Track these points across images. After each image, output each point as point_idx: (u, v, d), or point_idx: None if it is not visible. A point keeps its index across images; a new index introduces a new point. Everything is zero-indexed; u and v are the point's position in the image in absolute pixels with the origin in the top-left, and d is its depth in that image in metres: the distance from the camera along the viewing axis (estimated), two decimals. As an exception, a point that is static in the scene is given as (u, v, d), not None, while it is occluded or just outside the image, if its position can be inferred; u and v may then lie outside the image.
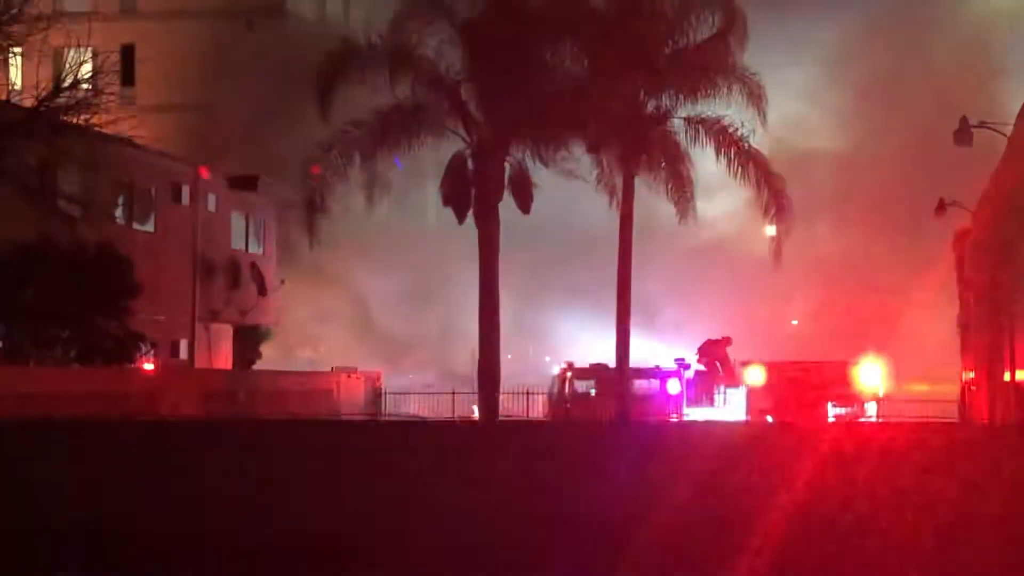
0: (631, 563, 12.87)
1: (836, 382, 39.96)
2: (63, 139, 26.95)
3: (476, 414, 42.27)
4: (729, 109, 33.99)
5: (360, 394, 45.43)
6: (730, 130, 34.02)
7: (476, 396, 37.32)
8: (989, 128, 35.54)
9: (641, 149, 34.37)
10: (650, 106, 35.07)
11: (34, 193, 30.93)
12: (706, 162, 34.89)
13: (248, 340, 51.11)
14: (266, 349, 54.46)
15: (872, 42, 58.16)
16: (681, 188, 34.18)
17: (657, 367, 41.77)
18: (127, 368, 36.77)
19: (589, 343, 45.61)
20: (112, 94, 27.17)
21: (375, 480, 17.84)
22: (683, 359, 42.21)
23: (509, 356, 42.56)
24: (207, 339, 47.49)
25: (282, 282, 53.26)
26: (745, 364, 41.46)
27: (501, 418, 36.37)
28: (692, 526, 14.34)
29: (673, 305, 54.36)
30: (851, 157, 58.21)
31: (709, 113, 34.33)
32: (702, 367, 42.45)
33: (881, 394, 40.98)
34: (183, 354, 46.32)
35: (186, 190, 46.19)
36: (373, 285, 57.04)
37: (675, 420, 39.08)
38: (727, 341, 42.80)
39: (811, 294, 56.71)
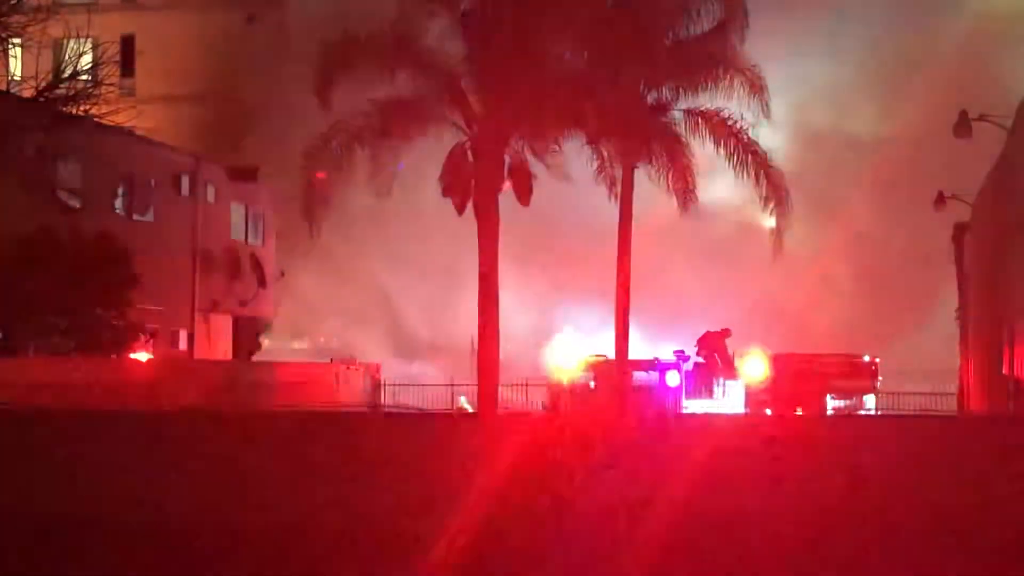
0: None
1: (835, 374, 39.98)
2: (62, 130, 26.87)
3: (465, 406, 42.33)
4: (730, 101, 33.98)
5: (359, 385, 45.45)
6: (729, 122, 34.02)
7: (472, 388, 37.31)
8: (989, 121, 35.54)
9: (641, 141, 34.35)
10: (650, 98, 35.07)
11: (34, 184, 30.89)
12: (706, 156, 34.87)
13: (247, 331, 51.14)
14: (266, 340, 54.54)
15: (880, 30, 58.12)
16: (682, 179, 34.17)
17: (656, 359, 41.77)
18: (126, 359, 36.81)
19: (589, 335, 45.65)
20: (112, 85, 27.05)
21: (373, 471, 17.88)
22: (682, 351, 42.21)
23: (508, 347, 42.59)
24: (206, 330, 47.54)
25: (282, 273, 53.30)
26: (744, 356, 41.47)
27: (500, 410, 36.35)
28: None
29: (673, 297, 54.31)
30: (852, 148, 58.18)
31: (709, 105, 34.31)
32: (701, 359, 42.45)
33: (879, 387, 41.02)
34: (182, 345, 46.37)
35: (186, 181, 46.22)
36: (374, 276, 57.03)
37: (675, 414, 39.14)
38: (726, 333, 42.79)
39: (810, 286, 56.67)
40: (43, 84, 25.53)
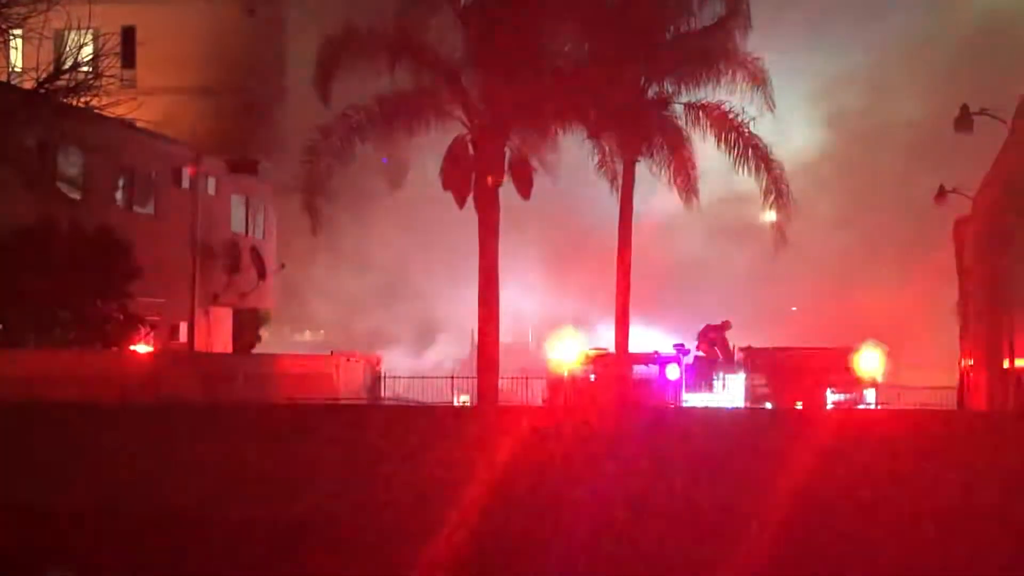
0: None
1: (835, 368, 39.93)
2: (63, 122, 26.87)
3: (463, 399, 42.33)
4: (733, 95, 33.98)
5: (359, 378, 45.42)
6: (730, 116, 34.01)
7: (471, 381, 37.34)
8: (990, 116, 35.53)
9: (642, 134, 34.35)
10: (651, 91, 35.06)
11: (34, 176, 30.88)
12: (707, 150, 34.88)
13: (247, 323, 51.16)
14: (267, 332, 54.55)
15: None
16: (684, 172, 34.18)
17: (656, 352, 41.76)
18: (126, 351, 36.79)
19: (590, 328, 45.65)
20: (112, 76, 27.03)
21: (372, 464, 17.88)
22: (682, 344, 42.20)
23: (508, 340, 42.61)
24: (206, 322, 47.53)
25: (282, 266, 53.29)
26: (744, 350, 41.45)
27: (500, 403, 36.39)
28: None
29: (673, 291, 54.37)
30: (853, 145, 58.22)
31: (710, 99, 34.32)
32: (701, 353, 42.43)
33: (880, 381, 40.97)
34: (182, 337, 46.36)
35: (186, 173, 46.19)
36: (375, 269, 57.08)
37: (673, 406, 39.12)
38: (726, 326, 42.78)
39: (811, 280, 56.74)
40: (44, 76, 25.56)
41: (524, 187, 35.67)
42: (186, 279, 46.08)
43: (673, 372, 40.88)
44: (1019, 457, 17.83)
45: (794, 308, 60.78)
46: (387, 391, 45.05)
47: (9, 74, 29.43)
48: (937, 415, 27.63)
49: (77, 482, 16.27)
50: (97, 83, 26.08)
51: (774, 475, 16.59)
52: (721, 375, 41.41)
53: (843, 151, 58.21)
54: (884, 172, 56.79)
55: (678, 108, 34.74)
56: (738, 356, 41.61)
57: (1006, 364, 34.98)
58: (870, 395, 39.87)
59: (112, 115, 28.22)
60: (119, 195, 42.47)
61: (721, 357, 42.06)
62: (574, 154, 35.83)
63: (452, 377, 44.11)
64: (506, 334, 38.14)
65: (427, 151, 36.38)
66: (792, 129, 47.61)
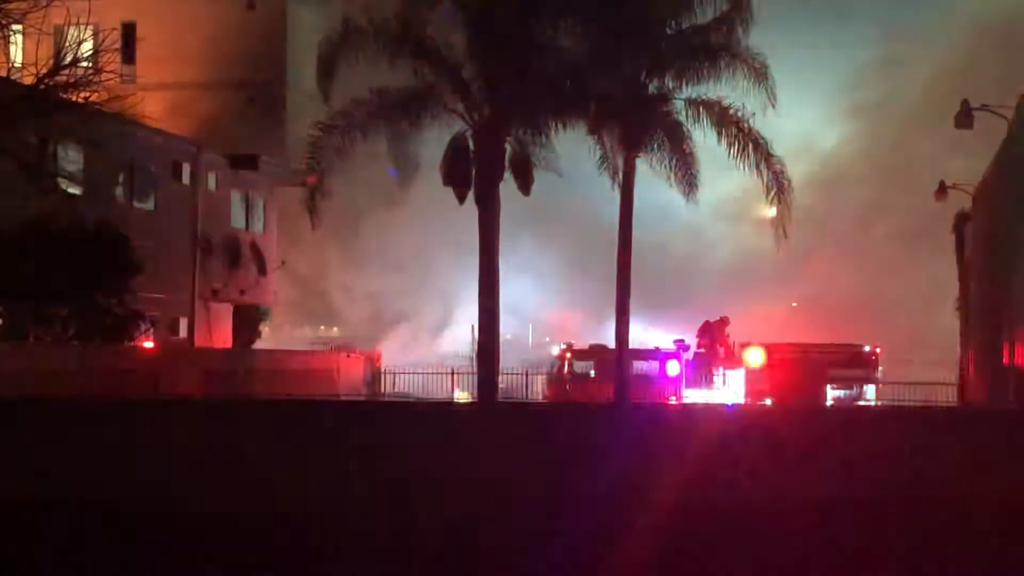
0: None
1: (835, 364, 39.96)
2: (63, 117, 26.86)
3: (460, 396, 42.36)
4: (735, 91, 33.92)
5: (359, 374, 45.44)
6: (731, 111, 33.95)
7: (469, 377, 37.35)
8: (990, 111, 35.50)
9: (643, 130, 34.29)
10: (652, 87, 35.00)
11: (34, 170, 30.85)
12: (706, 147, 34.82)
13: (247, 319, 51.16)
14: (266, 328, 54.53)
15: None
16: (685, 168, 34.12)
17: (657, 348, 41.77)
18: (126, 346, 36.80)
19: (590, 324, 45.69)
20: (112, 72, 27.03)
21: (372, 461, 17.88)
22: (682, 340, 42.21)
23: (508, 336, 42.60)
24: (207, 318, 47.53)
25: (283, 262, 53.31)
26: (744, 346, 41.48)
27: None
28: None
29: (673, 287, 54.36)
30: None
31: (711, 95, 34.24)
32: (701, 349, 42.45)
33: (879, 377, 41.02)
34: (182, 332, 46.36)
35: (186, 168, 46.18)
36: (376, 264, 57.06)
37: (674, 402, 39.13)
38: (725, 322, 42.81)
39: (811, 276, 56.75)
40: (43, 71, 25.55)
41: (525, 183, 35.62)
42: (186, 274, 46.08)
43: (673, 368, 40.91)
44: (1019, 453, 17.83)
45: (794, 304, 60.79)
46: (387, 386, 45.09)
47: (9, 69, 29.41)
48: (937, 411, 27.67)
49: (75, 478, 16.27)
50: (97, 79, 26.08)
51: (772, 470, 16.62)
52: (722, 371, 41.47)
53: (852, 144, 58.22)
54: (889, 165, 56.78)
55: (679, 103, 34.67)
56: (738, 351, 41.67)
57: (1006, 359, 34.98)
58: (870, 391, 39.93)
59: (112, 110, 28.23)
60: (119, 190, 42.47)
61: (722, 352, 42.10)
62: (576, 149, 35.78)
63: (452, 372, 44.11)
64: (507, 330, 38.14)
65: (432, 145, 36.34)
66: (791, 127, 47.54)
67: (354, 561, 12.22)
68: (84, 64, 26.16)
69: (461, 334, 54.03)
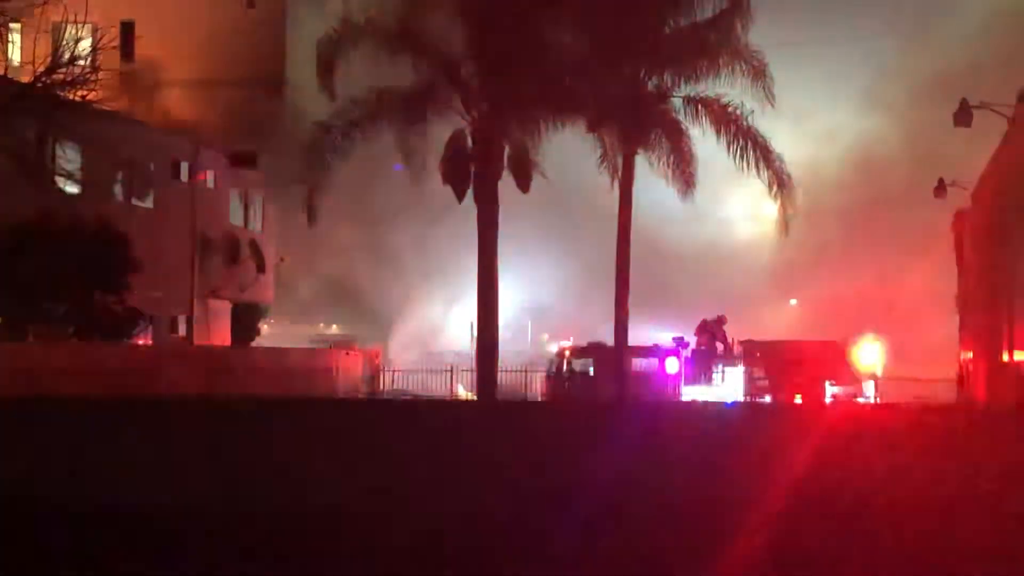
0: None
1: (834, 362, 39.96)
2: (61, 115, 26.86)
3: (461, 393, 42.37)
4: (734, 89, 33.95)
5: (359, 372, 45.42)
6: (729, 109, 33.98)
7: (469, 374, 37.38)
8: (989, 109, 35.48)
9: (641, 127, 34.33)
10: (650, 85, 35.02)
11: (32, 169, 30.85)
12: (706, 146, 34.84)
13: (246, 317, 51.17)
14: (265, 325, 54.56)
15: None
16: (682, 166, 34.16)
17: (656, 346, 41.77)
18: (125, 344, 36.81)
19: (589, 322, 45.70)
20: (110, 70, 27.06)
21: (373, 458, 17.89)
22: (681, 337, 42.21)
23: (508, 334, 42.61)
24: (206, 316, 47.53)
25: (282, 259, 53.31)
26: (743, 343, 41.46)
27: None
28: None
29: (671, 285, 54.36)
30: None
31: (710, 93, 34.27)
32: (701, 347, 42.44)
33: (879, 374, 41.03)
34: (181, 330, 46.36)
35: (185, 167, 46.18)
36: (377, 260, 57.10)
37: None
38: (723, 320, 42.80)
39: (810, 274, 56.75)
40: (41, 69, 25.55)
41: (523, 181, 35.65)
42: (185, 272, 46.08)
43: (672, 365, 40.90)
44: (1019, 449, 17.87)
45: (793, 301, 60.79)
46: (386, 384, 45.05)
47: (7, 67, 29.40)
48: (936, 408, 27.70)
49: (75, 476, 16.28)
50: (95, 77, 26.09)
51: (771, 467, 16.65)
52: (720, 368, 41.45)
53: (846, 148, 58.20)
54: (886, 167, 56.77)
55: (677, 102, 34.70)
56: (737, 349, 41.66)
57: (1005, 356, 35.02)
58: (869, 388, 39.93)
59: (110, 108, 28.26)
60: (118, 188, 42.45)
61: (721, 350, 42.09)
62: (575, 147, 35.80)
63: (451, 369, 44.11)
64: (505, 328, 38.15)
65: (431, 143, 36.35)
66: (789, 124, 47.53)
67: (353, 561, 12.24)
68: (82, 62, 26.16)
69: (461, 332, 54.06)
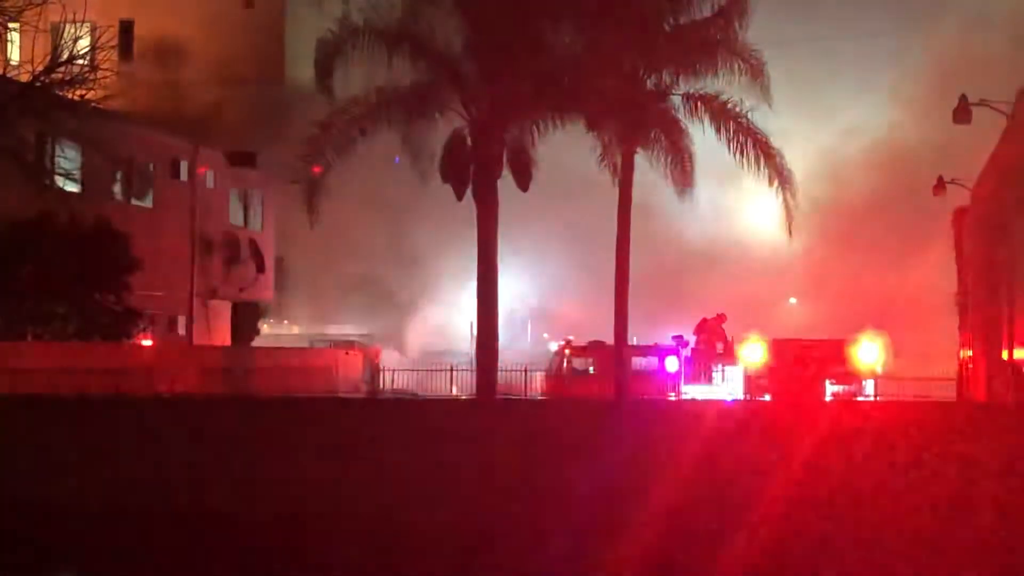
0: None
1: (834, 360, 39.91)
2: (60, 114, 26.87)
3: (455, 393, 42.38)
4: (731, 86, 33.94)
5: (358, 371, 45.43)
6: (728, 106, 33.96)
7: (469, 373, 37.35)
8: (989, 106, 35.47)
9: (641, 125, 34.30)
10: (650, 82, 35.00)
11: (31, 168, 30.85)
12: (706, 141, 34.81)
13: (246, 316, 51.17)
14: (265, 325, 54.54)
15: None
16: (681, 164, 34.12)
17: (655, 344, 41.75)
18: (125, 344, 36.80)
19: (590, 320, 45.64)
20: (109, 69, 27.07)
21: (372, 457, 17.87)
22: (681, 336, 42.18)
23: (508, 333, 42.54)
24: (205, 315, 47.52)
25: (281, 259, 53.32)
26: (743, 342, 41.40)
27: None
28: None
29: (670, 283, 54.34)
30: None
31: (708, 90, 34.25)
32: (701, 346, 42.42)
33: (879, 372, 40.97)
34: (181, 330, 46.36)
35: (184, 166, 46.17)
36: (376, 262, 57.06)
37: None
38: (722, 318, 42.77)
39: (809, 272, 56.72)
40: (40, 68, 25.55)
41: (523, 179, 35.61)
42: (185, 272, 46.07)
43: (672, 364, 40.88)
44: (1019, 447, 17.82)
45: (793, 300, 60.76)
46: (386, 383, 45.04)
47: (6, 67, 29.40)
48: (936, 406, 27.64)
49: (75, 476, 16.26)
50: (93, 76, 26.09)
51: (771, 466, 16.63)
52: (720, 367, 41.42)
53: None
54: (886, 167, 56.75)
55: (676, 99, 34.67)
56: (737, 348, 41.60)
57: (1005, 354, 34.98)
58: (869, 386, 39.87)
59: (109, 108, 28.24)
60: (117, 188, 42.45)
61: (721, 349, 42.06)
62: (575, 146, 35.77)
63: (451, 369, 44.10)
64: (505, 327, 38.08)
65: (431, 141, 36.30)
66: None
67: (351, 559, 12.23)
68: (81, 61, 26.17)
69: (461, 331, 54.02)
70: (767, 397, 38.68)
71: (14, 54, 29.67)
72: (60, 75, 25.48)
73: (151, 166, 44.23)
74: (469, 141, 34.94)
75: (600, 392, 36.83)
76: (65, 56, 25.51)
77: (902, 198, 52.56)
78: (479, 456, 17.50)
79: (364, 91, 34.47)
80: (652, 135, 34.32)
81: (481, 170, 34.81)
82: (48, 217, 34.04)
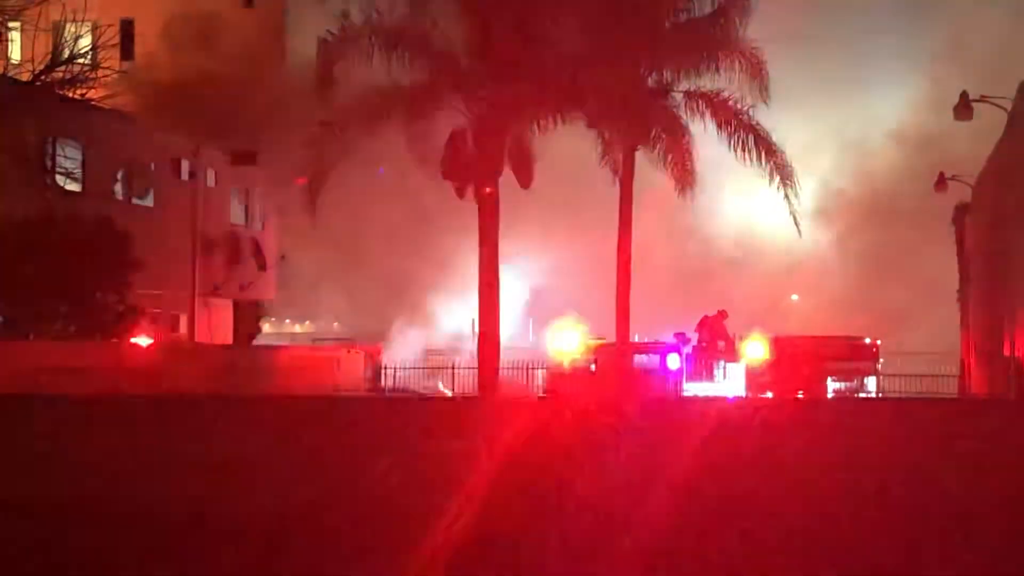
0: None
1: (836, 356, 39.91)
2: (61, 113, 26.90)
3: (443, 390, 42.40)
4: (731, 84, 33.97)
5: (360, 369, 45.39)
6: (730, 103, 33.98)
7: (471, 371, 37.37)
8: (989, 102, 35.46)
9: (642, 123, 34.31)
10: (651, 80, 35.02)
11: (33, 167, 30.87)
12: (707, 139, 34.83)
13: (247, 315, 51.15)
14: (266, 324, 54.52)
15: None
16: (682, 161, 34.14)
17: (657, 342, 41.72)
18: (127, 343, 36.79)
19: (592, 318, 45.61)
20: (109, 68, 27.09)
21: (374, 455, 17.87)
22: (683, 333, 42.15)
23: (509, 331, 42.47)
24: (207, 314, 47.52)
25: (282, 257, 53.26)
26: (745, 339, 41.38)
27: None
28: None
29: (672, 280, 54.30)
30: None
31: (710, 87, 34.28)
32: (703, 344, 42.37)
33: (880, 368, 40.98)
34: (183, 329, 46.34)
35: (185, 165, 46.15)
36: (380, 257, 57.02)
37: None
38: (723, 315, 42.73)
39: (811, 269, 56.67)
40: (41, 67, 25.58)
41: (524, 177, 35.64)
42: (186, 270, 46.06)
43: (674, 362, 40.85)
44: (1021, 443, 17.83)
45: (794, 297, 60.72)
46: (388, 382, 45.02)
47: (7, 66, 29.43)
48: (938, 403, 27.67)
49: (75, 475, 16.26)
50: (94, 75, 26.11)
51: (776, 465, 16.61)
52: (722, 364, 41.38)
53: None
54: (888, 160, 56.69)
55: (677, 97, 34.68)
56: (738, 344, 41.57)
57: (1007, 351, 34.98)
58: (871, 383, 39.88)
59: (110, 107, 28.26)
60: (118, 187, 42.44)
61: (723, 346, 42.03)
62: (576, 144, 35.78)
63: (453, 368, 44.09)
64: (506, 325, 38.05)
65: (432, 139, 36.27)
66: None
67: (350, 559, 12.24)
68: (82, 60, 26.19)
69: (463, 328, 53.98)
70: (769, 394, 38.67)
71: (15, 53, 29.69)
72: (61, 74, 25.50)
73: (152, 165, 44.21)
74: (470, 139, 34.95)
75: (601, 389, 36.82)
76: (66, 55, 25.53)
77: (906, 193, 52.50)
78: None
79: (365, 89, 34.48)
80: (653, 133, 34.34)
81: (482, 167, 34.83)
82: (49, 216, 34.03)
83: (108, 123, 32.01)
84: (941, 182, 44.24)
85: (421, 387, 44.02)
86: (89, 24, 27.69)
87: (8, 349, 31.49)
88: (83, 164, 36.92)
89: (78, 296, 35.11)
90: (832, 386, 39.18)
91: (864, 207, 56.81)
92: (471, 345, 42.28)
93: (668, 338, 42.14)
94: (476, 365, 36.78)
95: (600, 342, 40.93)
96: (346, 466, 17.00)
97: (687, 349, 41.47)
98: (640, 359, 39.80)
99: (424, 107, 34.57)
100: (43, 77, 25.48)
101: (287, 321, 63.53)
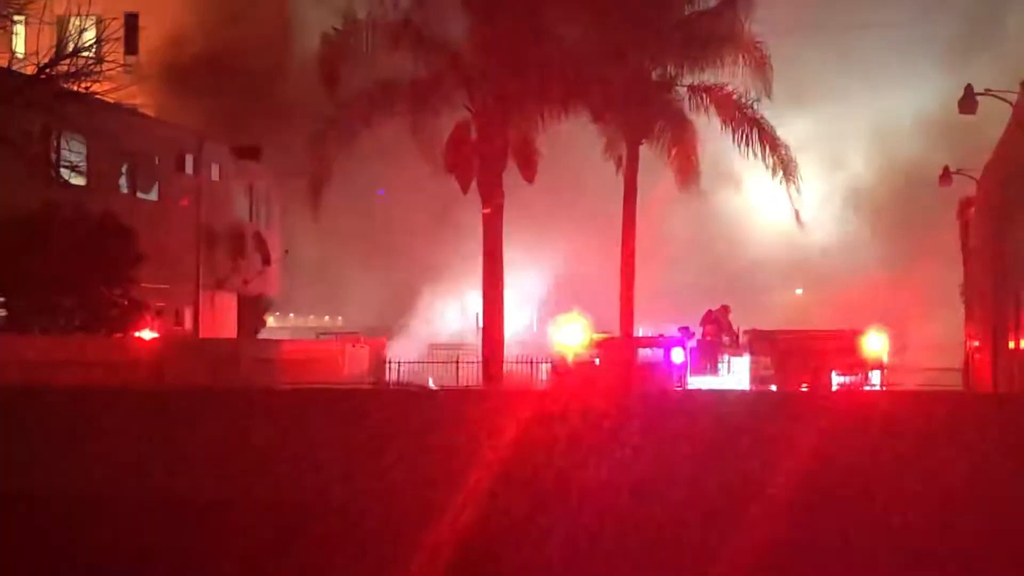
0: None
1: (840, 351, 39.85)
2: (64, 107, 26.87)
3: (431, 385, 42.38)
4: (735, 78, 34.01)
5: (365, 362, 45.40)
6: (734, 97, 33.99)
7: (475, 365, 37.41)
8: (994, 96, 35.40)
9: (646, 117, 34.33)
10: (655, 74, 35.02)
11: (36, 161, 30.86)
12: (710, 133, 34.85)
13: (252, 309, 51.17)
14: (270, 318, 54.54)
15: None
16: (685, 155, 34.16)
17: (661, 335, 41.68)
18: (132, 337, 36.80)
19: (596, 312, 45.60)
20: (114, 62, 27.06)
21: (379, 447, 17.89)
22: (688, 327, 42.11)
23: (513, 325, 42.50)
24: (211, 308, 47.55)
25: (286, 252, 53.30)
26: (749, 333, 41.34)
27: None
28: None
29: (676, 274, 54.30)
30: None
31: (714, 81, 34.31)
32: (708, 337, 42.31)
33: (885, 363, 40.90)
34: (187, 323, 46.37)
35: (190, 159, 46.17)
36: (381, 251, 57.07)
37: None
38: (726, 309, 42.70)
39: (815, 263, 56.66)
40: (45, 61, 25.56)
41: (528, 171, 35.64)
42: (190, 265, 46.09)
43: (678, 356, 40.79)
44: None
45: (799, 290, 60.73)
46: (392, 375, 45.03)
47: (11, 59, 29.42)
48: (942, 396, 27.60)
49: (81, 467, 16.29)
50: (98, 69, 26.09)
51: (778, 458, 16.60)
52: (726, 358, 41.32)
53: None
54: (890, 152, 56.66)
55: (681, 91, 34.70)
56: (743, 339, 41.52)
57: (1012, 344, 34.96)
58: (875, 377, 39.80)
59: (114, 101, 28.24)
60: (122, 181, 42.45)
61: (727, 340, 41.98)
62: (579, 138, 35.81)
63: (457, 362, 44.09)
64: (510, 319, 38.08)
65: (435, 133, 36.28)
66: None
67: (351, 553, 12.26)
68: (86, 54, 26.17)
69: (467, 322, 54.03)
70: (773, 388, 38.63)
71: (19, 46, 29.69)
72: (65, 67, 25.47)
73: (156, 159, 44.21)
74: (474, 133, 34.96)
75: (605, 384, 36.77)
76: (70, 48, 25.50)
77: (911, 187, 52.48)
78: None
79: (369, 84, 34.50)
80: (657, 127, 34.35)
81: (486, 162, 34.83)
82: (53, 210, 34.04)
83: (112, 117, 31.92)
84: (945, 176, 44.19)
85: (420, 381, 44.03)
86: (93, 18, 27.64)
87: (13, 343, 31.51)
88: (87, 158, 36.90)
89: (83, 290, 35.13)
90: (837, 380, 39.11)
91: (871, 200, 56.84)
92: (476, 339, 42.35)
93: (673, 332, 42.14)
94: (480, 359, 36.82)
95: (604, 336, 40.92)
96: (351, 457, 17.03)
97: (691, 343, 41.44)
98: (644, 353, 39.75)
99: (428, 101, 34.58)
100: (47, 71, 25.45)
101: (291, 315, 63.57)
